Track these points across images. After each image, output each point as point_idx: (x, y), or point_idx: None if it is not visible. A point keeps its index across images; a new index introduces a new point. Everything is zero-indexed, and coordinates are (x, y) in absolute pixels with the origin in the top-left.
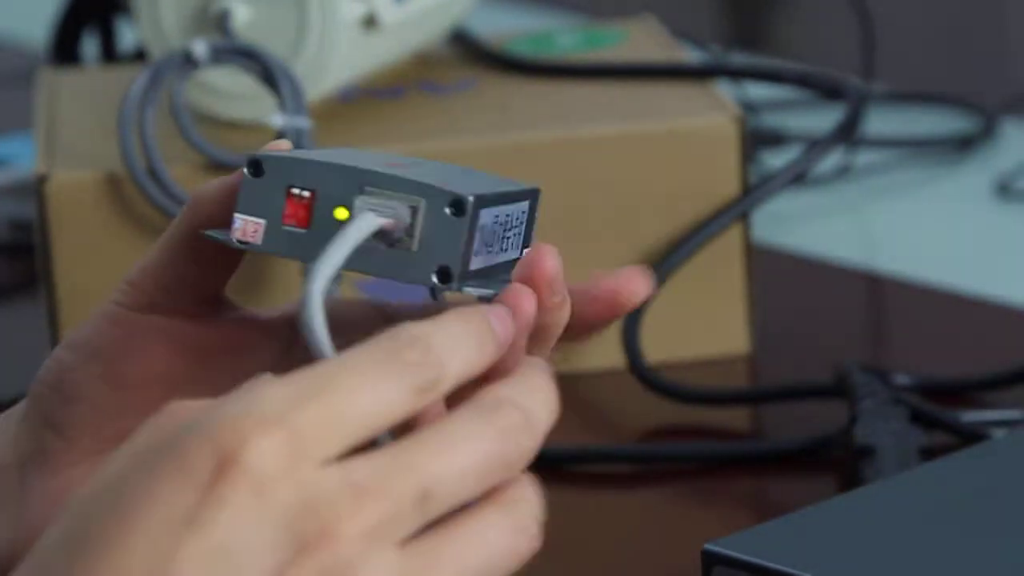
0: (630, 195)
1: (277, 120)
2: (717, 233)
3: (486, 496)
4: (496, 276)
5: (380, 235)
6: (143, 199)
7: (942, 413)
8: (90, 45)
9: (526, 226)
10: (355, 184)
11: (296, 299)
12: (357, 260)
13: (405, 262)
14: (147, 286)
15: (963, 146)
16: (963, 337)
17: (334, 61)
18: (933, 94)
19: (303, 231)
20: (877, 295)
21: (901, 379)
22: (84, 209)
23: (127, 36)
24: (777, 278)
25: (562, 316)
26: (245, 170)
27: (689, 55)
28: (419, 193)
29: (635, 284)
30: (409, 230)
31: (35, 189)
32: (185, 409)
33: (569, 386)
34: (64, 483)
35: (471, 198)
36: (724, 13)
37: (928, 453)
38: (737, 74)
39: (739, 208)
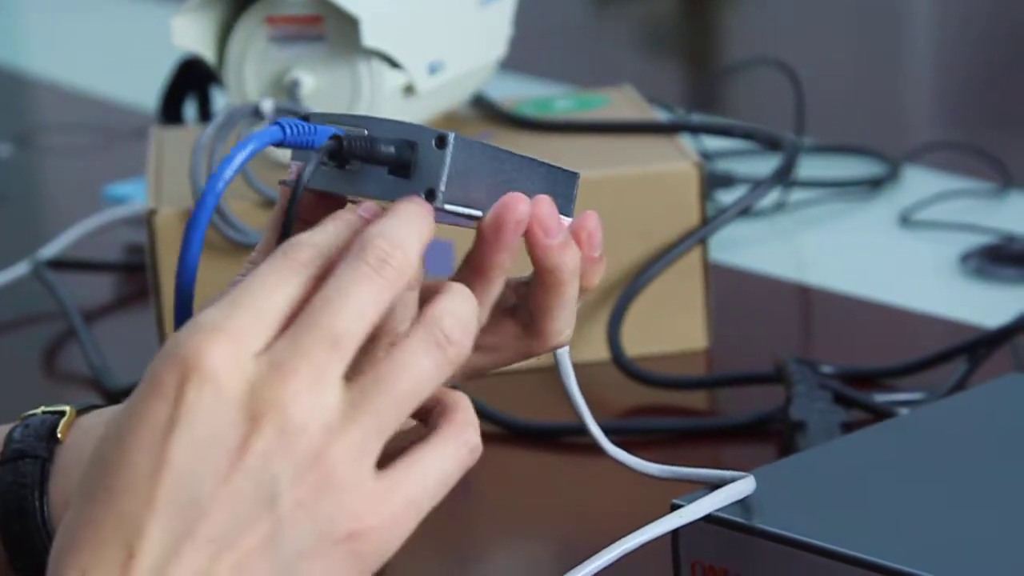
0: (613, 225)
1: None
2: (681, 254)
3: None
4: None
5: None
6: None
7: (859, 395)
8: (190, 108)
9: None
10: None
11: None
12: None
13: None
14: (260, 261)
15: (874, 186)
16: (875, 335)
17: None
18: (851, 146)
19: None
20: (807, 303)
21: (826, 368)
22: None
23: (219, 101)
24: (729, 290)
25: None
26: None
27: (659, 115)
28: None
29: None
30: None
31: (147, 221)
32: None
33: None
34: None
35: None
36: (687, 81)
37: (848, 427)
38: (697, 130)
39: (699, 235)
